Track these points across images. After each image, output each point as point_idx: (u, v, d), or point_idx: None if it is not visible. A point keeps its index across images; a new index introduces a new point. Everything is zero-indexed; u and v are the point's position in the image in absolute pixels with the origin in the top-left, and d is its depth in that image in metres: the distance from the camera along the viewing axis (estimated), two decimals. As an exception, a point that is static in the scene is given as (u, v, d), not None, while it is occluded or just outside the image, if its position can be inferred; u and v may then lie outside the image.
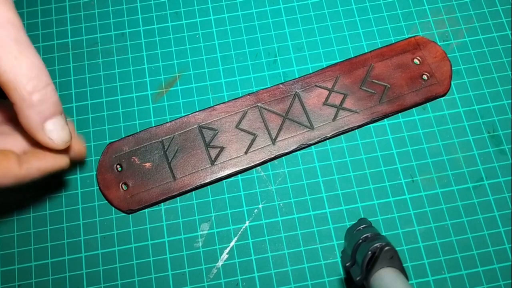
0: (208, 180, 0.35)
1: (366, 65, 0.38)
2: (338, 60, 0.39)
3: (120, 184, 0.35)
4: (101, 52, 0.39)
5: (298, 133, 0.36)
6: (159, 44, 0.40)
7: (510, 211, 0.35)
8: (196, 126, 0.37)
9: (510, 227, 0.34)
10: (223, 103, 0.37)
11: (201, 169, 0.36)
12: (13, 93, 0.23)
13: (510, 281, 0.33)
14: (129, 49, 0.39)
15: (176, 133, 0.36)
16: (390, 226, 0.35)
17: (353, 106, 0.37)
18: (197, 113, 0.37)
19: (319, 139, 0.36)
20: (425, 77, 0.38)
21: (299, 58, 0.39)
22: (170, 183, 0.35)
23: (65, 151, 0.28)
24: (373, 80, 0.38)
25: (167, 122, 0.37)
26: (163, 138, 0.36)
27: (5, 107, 0.28)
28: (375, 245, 0.27)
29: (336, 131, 0.36)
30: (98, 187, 0.36)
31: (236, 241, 0.35)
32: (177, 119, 0.37)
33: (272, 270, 0.34)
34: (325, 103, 0.37)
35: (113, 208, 0.35)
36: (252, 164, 0.36)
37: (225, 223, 0.35)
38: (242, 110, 0.37)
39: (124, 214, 0.35)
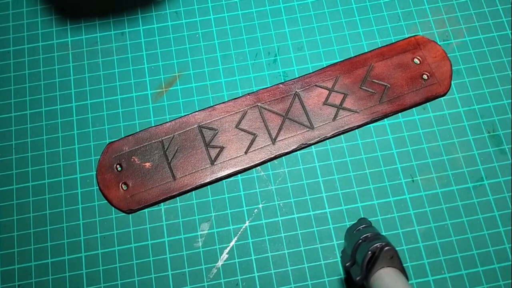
0: (208, 180, 0.35)
1: (366, 65, 0.38)
2: (338, 60, 0.39)
3: (120, 184, 0.35)
4: (101, 52, 0.39)
5: (298, 133, 0.36)
6: (159, 43, 0.40)
7: (510, 211, 0.35)
8: (196, 126, 0.37)
9: (510, 227, 0.34)
10: (223, 103, 0.37)
11: (201, 169, 0.36)
12: None
13: (510, 281, 0.33)
14: (129, 48, 0.39)
15: (176, 133, 0.36)
16: (390, 226, 0.35)
17: (353, 106, 0.37)
18: (197, 113, 0.37)
19: (319, 139, 0.36)
20: (425, 76, 0.38)
21: (299, 58, 0.39)
22: (170, 183, 0.35)
23: None
24: (373, 80, 0.38)
25: (167, 122, 0.37)
26: (163, 138, 0.36)
27: None
28: (375, 245, 0.27)
29: (336, 131, 0.36)
30: (98, 187, 0.36)
31: (236, 241, 0.35)
32: (177, 119, 0.37)
33: (272, 270, 0.34)
34: (325, 103, 0.37)
35: (113, 208, 0.35)
36: (252, 164, 0.36)
37: (225, 223, 0.35)
38: (242, 110, 0.37)
39: (124, 214, 0.35)
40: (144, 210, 0.35)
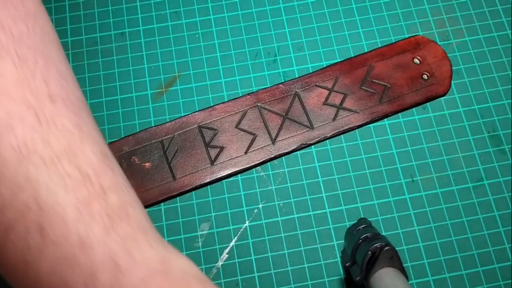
0: (208, 180, 0.35)
1: (366, 65, 0.38)
2: (338, 60, 0.39)
3: (120, 184, 0.35)
4: (101, 52, 0.39)
5: (298, 133, 0.36)
6: (159, 43, 0.40)
7: (510, 211, 0.35)
8: (196, 126, 0.37)
9: (510, 227, 0.34)
10: (223, 103, 0.37)
11: (201, 169, 0.36)
12: None
13: (510, 281, 0.33)
14: (129, 48, 0.39)
15: (176, 133, 0.36)
16: (390, 226, 0.35)
17: (353, 106, 0.37)
18: (196, 113, 0.37)
19: (319, 139, 0.36)
20: (425, 76, 0.38)
21: (299, 58, 0.39)
22: (170, 183, 0.35)
23: None
24: (373, 80, 0.38)
25: (167, 122, 0.37)
26: (163, 138, 0.36)
27: None
28: (375, 245, 0.27)
29: (336, 131, 0.36)
30: (97, 187, 0.36)
31: (236, 241, 0.35)
32: (176, 119, 0.37)
33: (272, 270, 0.34)
34: (325, 103, 0.37)
35: (113, 208, 0.35)
36: (252, 164, 0.36)
37: (225, 223, 0.35)
38: (242, 110, 0.37)
39: (124, 214, 0.35)
40: (144, 210, 0.35)
